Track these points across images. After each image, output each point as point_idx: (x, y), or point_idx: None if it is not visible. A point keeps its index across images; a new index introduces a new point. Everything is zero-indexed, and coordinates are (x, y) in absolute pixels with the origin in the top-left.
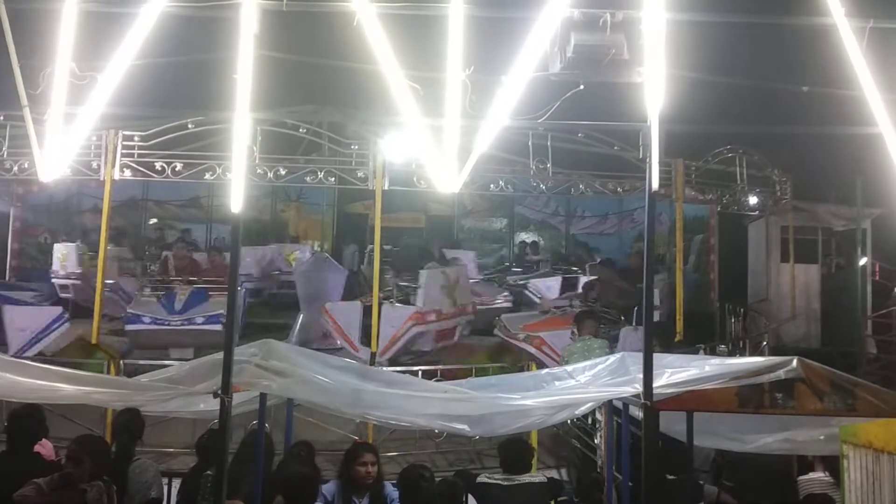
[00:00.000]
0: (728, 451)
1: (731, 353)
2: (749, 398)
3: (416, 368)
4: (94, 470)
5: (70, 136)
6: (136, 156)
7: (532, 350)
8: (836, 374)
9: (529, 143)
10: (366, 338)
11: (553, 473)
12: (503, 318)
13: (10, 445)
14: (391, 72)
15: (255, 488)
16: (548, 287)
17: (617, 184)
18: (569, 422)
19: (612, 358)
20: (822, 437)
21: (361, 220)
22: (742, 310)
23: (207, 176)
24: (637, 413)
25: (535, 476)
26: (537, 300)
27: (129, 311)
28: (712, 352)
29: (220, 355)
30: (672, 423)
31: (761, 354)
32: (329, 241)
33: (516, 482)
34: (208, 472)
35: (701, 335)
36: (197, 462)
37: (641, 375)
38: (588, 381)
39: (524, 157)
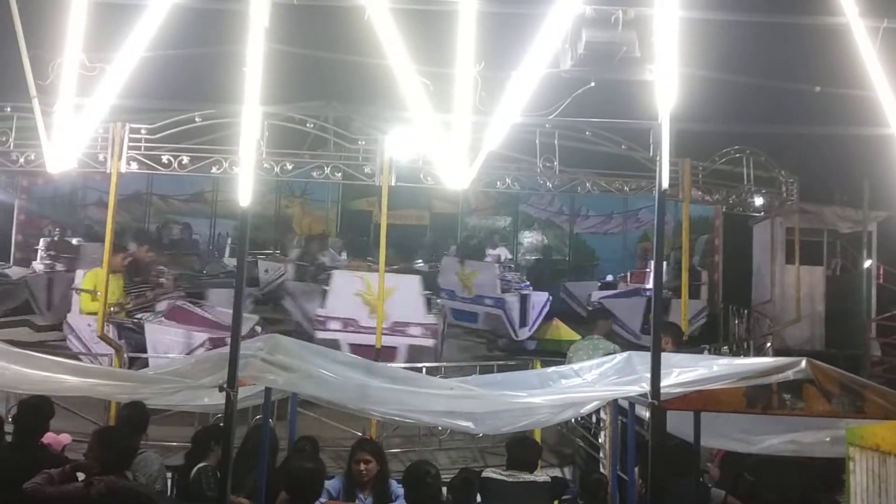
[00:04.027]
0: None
1: (734, 355)
2: (757, 399)
3: (419, 365)
4: (111, 462)
5: (79, 127)
6: (142, 149)
7: None
8: (845, 375)
9: (537, 141)
10: None
11: (557, 472)
12: None
13: (18, 435)
14: (401, 67)
15: (260, 483)
16: None
17: (623, 183)
18: (573, 420)
19: (619, 357)
20: (828, 439)
21: (365, 217)
22: (746, 311)
23: (214, 170)
24: (642, 412)
25: (539, 475)
26: None
27: None
28: (716, 353)
29: (226, 349)
30: (676, 423)
31: (765, 356)
32: (333, 238)
33: (519, 479)
34: (204, 463)
35: (704, 336)
36: (190, 450)
37: (648, 374)
38: (595, 380)
39: (530, 154)
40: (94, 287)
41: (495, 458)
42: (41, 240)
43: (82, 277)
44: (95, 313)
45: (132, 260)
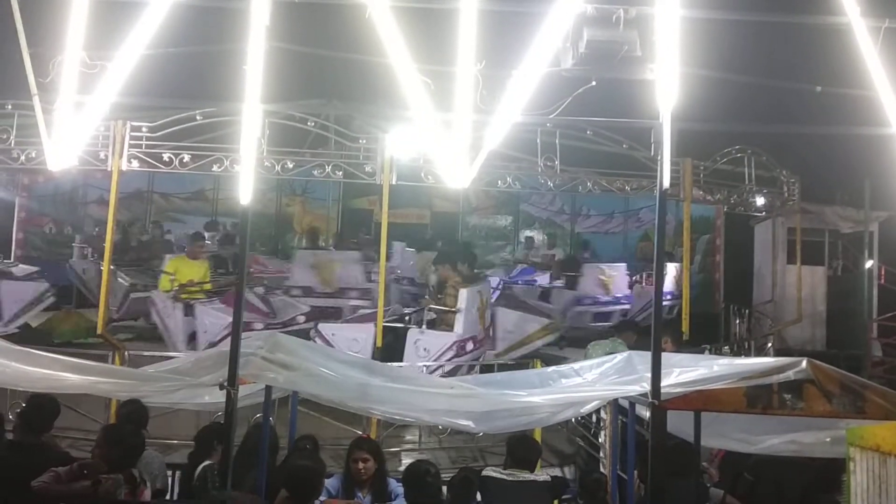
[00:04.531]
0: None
1: (735, 355)
2: (757, 399)
3: (420, 364)
4: (118, 460)
5: (79, 125)
6: (143, 146)
7: None
8: (845, 375)
9: (538, 140)
10: None
11: (557, 472)
12: None
13: (23, 433)
14: (402, 66)
15: (259, 482)
16: None
17: (624, 182)
18: (573, 419)
19: (620, 356)
20: (828, 440)
21: (366, 216)
22: (747, 311)
23: (215, 168)
24: (642, 412)
25: (539, 475)
26: None
27: None
28: (717, 353)
29: (226, 347)
30: (676, 423)
31: (766, 356)
32: (334, 237)
33: (519, 478)
34: (208, 461)
35: (705, 336)
36: (194, 449)
37: (649, 374)
38: (595, 380)
39: (531, 153)
40: (174, 271)
41: (495, 457)
42: (77, 236)
43: (167, 262)
44: (168, 290)
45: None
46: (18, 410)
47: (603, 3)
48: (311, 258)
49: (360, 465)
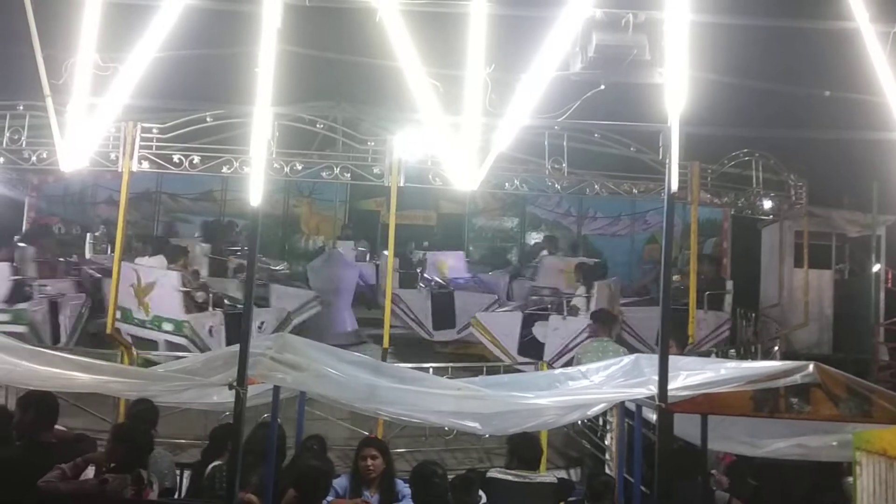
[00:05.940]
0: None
1: (741, 359)
2: (764, 402)
3: (426, 365)
4: (126, 459)
5: (92, 126)
6: (154, 148)
7: None
8: (852, 379)
9: (546, 143)
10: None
11: (563, 474)
12: None
13: (39, 431)
14: (412, 69)
15: (267, 481)
16: None
17: (632, 185)
18: (579, 422)
19: (626, 359)
20: (834, 444)
21: (373, 217)
22: (753, 314)
23: (225, 169)
24: (649, 415)
25: (546, 476)
26: None
27: None
28: (723, 356)
29: (236, 348)
30: (683, 426)
31: (772, 360)
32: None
33: (525, 480)
34: (218, 462)
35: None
36: (207, 446)
37: (656, 377)
38: (602, 382)
39: (539, 156)
40: None
41: (501, 458)
42: None
43: None
44: None
45: None
46: (25, 412)
47: (612, 7)
48: None
49: (369, 461)
